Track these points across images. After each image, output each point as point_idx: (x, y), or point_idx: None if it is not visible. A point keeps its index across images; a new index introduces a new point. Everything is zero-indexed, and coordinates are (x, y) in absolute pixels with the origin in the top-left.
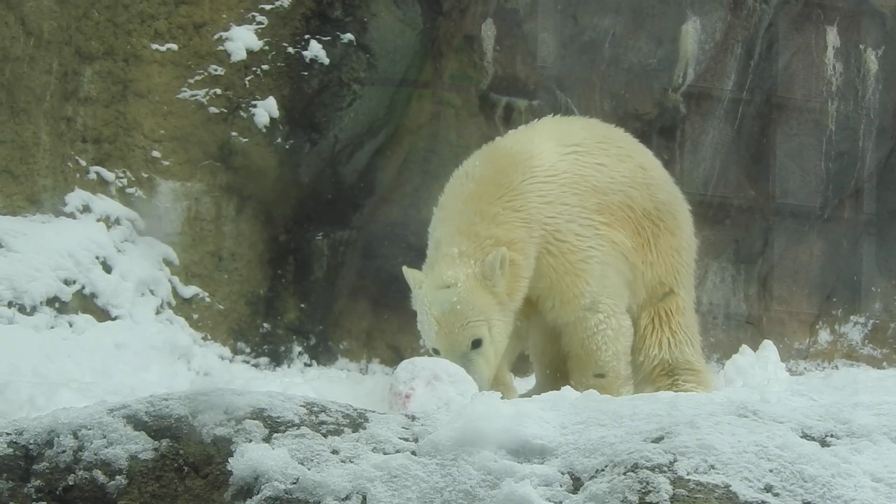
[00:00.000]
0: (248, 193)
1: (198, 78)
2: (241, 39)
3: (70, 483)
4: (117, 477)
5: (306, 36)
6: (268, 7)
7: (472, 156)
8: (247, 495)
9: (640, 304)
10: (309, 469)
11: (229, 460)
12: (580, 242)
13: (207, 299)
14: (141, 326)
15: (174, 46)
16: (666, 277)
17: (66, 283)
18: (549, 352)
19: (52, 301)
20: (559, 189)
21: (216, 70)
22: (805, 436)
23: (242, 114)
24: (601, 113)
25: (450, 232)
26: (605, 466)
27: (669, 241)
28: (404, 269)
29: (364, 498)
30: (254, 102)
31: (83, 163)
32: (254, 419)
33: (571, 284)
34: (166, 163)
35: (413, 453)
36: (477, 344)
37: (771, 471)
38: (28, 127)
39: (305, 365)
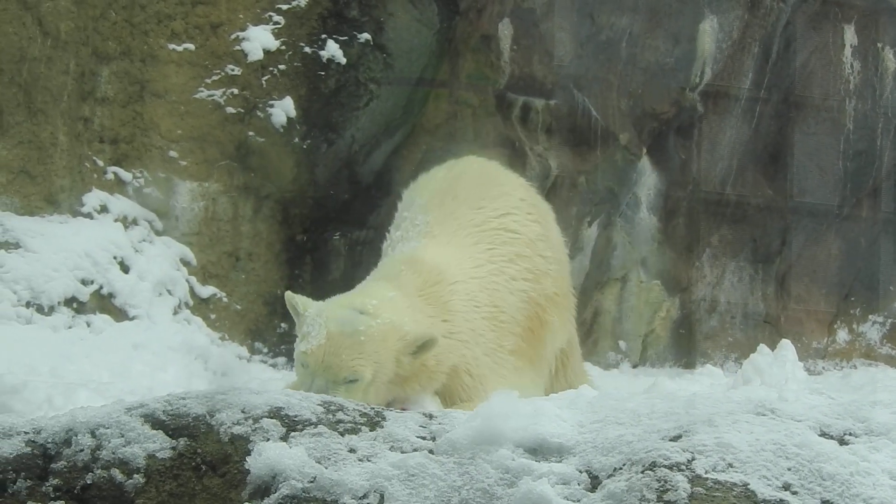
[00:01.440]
0: (266, 193)
1: (215, 78)
2: (258, 39)
3: (88, 482)
4: (135, 476)
5: (323, 36)
6: (284, 7)
7: (461, 161)
8: (264, 494)
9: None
10: (326, 468)
11: (247, 459)
12: (487, 384)
13: (225, 299)
14: (158, 326)
15: (191, 46)
16: (563, 343)
17: (84, 283)
18: None
19: (69, 301)
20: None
21: (233, 70)
22: (823, 434)
23: (259, 114)
24: (618, 112)
25: (406, 259)
26: (623, 465)
27: (558, 308)
28: (288, 294)
29: (382, 496)
30: (271, 102)
31: (100, 163)
32: (271, 418)
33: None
34: (183, 163)
35: (430, 452)
36: (352, 381)
37: (789, 469)
38: (45, 127)
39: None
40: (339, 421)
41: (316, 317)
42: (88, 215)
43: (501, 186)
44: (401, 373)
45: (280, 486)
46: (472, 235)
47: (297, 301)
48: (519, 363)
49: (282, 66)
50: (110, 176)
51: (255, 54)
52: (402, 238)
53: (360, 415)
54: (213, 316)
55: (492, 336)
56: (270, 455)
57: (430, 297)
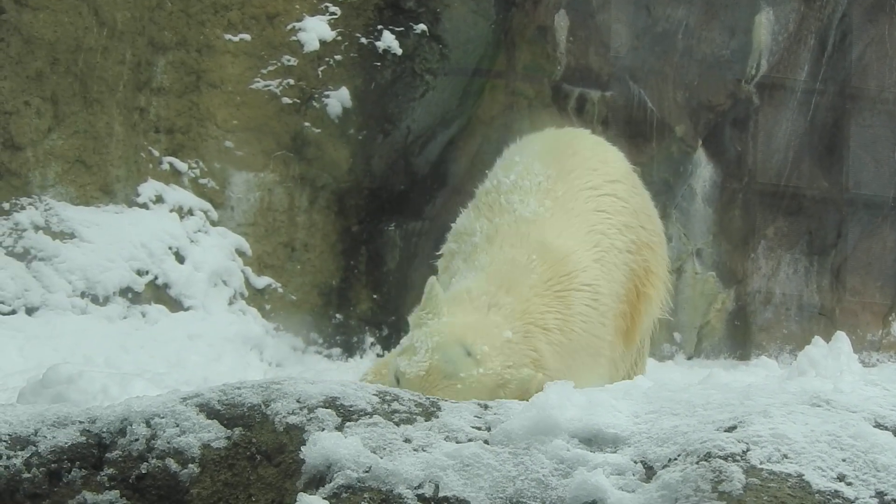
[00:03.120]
0: (321, 184)
1: (271, 68)
2: (314, 30)
3: (143, 471)
4: (190, 465)
5: (379, 26)
6: None
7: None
8: (319, 484)
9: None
10: (381, 457)
11: (302, 449)
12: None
13: (280, 290)
14: (213, 317)
15: (247, 37)
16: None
17: (139, 273)
18: None
19: (125, 291)
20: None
21: (289, 60)
22: (878, 425)
23: (315, 104)
24: (674, 104)
25: (501, 281)
26: (678, 455)
27: (655, 280)
28: (431, 282)
29: (437, 486)
30: (326, 93)
31: (156, 153)
32: (326, 408)
33: None
34: (239, 153)
35: (486, 442)
36: None
37: (844, 460)
38: (101, 117)
39: (378, 356)
40: (395, 411)
41: (425, 338)
42: (144, 205)
43: (608, 153)
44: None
45: (335, 475)
46: (590, 200)
47: (433, 300)
48: (613, 345)
49: (338, 57)
50: (166, 166)
51: (312, 45)
52: (518, 187)
53: (415, 405)
54: (268, 307)
55: (601, 330)
56: (325, 445)
57: (555, 294)
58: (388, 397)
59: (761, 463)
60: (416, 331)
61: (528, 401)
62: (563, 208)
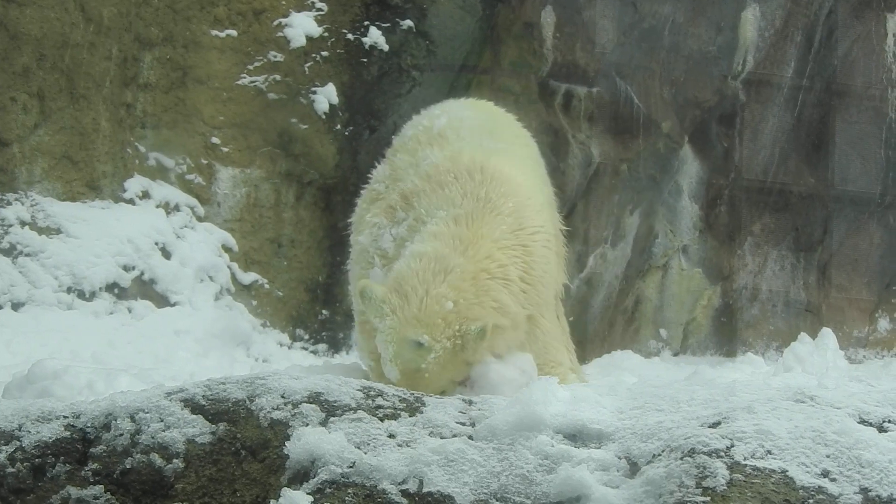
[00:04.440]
0: (308, 180)
1: (257, 64)
2: (301, 26)
3: (127, 466)
4: (174, 460)
5: (366, 22)
6: None
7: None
8: (303, 479)
9: None
10: (365, 453)
11: (286, 444)
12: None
13: (266, 286)
14: (200, 313)
15: (234, 33)
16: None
17: (126, 269)
18: None
19: (111, 287)
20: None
21: (276, 56)
22: (863, 421)
23: (302, 100)
24: (661, 100)
25: (435, 247)
26: (662, 451)
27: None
28: (362, 284)
29: (421, 482)
30: (313, 89)
31: (142, 149)
32: (311, 403)
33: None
34: (226, 149)
35: (470, 438)
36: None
37: (828, 456)
38: (88, 113)
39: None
40: (379, 406)
41: (383, 346)
42: (130, 201)
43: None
44: (475, 359)
45: (319, 471)
46: (526, 148)
47: (371, 303)
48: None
49: (324, 53)
50: (152, 162)
51: (298, 41)
52: (450, 132)
53: (399, 400)
54: (254, 302)
55: (557, 275)
56: (310, 440)
57: (513, 245)
58: (372, 392)
59: (745, 459)
60: (375, 339)
61: (492, 346)
62: (507, 150)
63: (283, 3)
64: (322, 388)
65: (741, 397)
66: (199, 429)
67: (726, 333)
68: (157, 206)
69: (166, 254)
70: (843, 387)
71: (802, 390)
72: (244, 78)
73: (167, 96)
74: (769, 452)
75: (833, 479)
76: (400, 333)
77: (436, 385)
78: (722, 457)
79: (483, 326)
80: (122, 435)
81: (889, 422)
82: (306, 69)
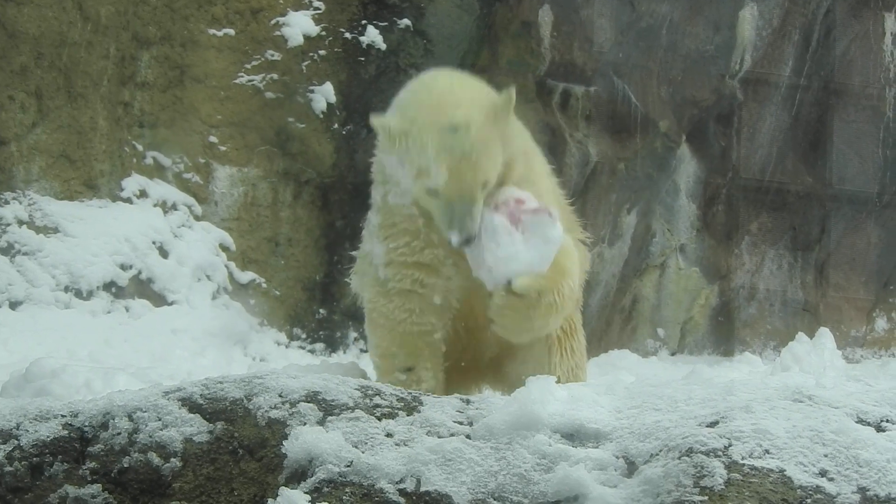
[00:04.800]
0: (305, 179)
1: (255, 63)
2: (298, 25)
3: (125, 465)
4: (172, 459)
5: (363, 21)
6: None
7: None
8: (301, 478)
9: None
10: (363, 452)
11: (284, 443)
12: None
13: (264, 285)
14: (197, 312)
15: (231, 32)
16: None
17: (123, 268)
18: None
19: (108, 286)
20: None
21: (273, 55)
22: (860, 421)
23: (299, 99)
24: (658, 99)
25: (444, 72)
26: (660, 451)
27: (581, 241)
28: (373, 118)
29: (418, 481)
30: (311, 88)
31: (140, 147)
32: (308, 402)
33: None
34: (223, 148)
35: (467, 437)
36: (484, 187)
37: (826, 455)
38: (85, 112)
39: (361, 351)
40: (377, 405)
41: (422, 149)
42: (128, 200)
43: None
44: (509, 131)
45: (317, 470)
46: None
47: (383, 124)
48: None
49: (322, 52)
50: (150, 161)
51: (296, 40)
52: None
53: (397, 399)
54: (252, 301)
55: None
56: (307, 439)
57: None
58: (369, 392)
59: (743, 458)
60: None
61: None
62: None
63: (281, 2)
64: (320, 387)
65: (739, 397)
66: (197, 428)
67: (724, 332)
68: (155, 205)
69: (164, 253)
70: (840, 386)
71: (800, 390)
72: (242, 77)
73: (165, 95)
74: (767, 452)
75: (831, 479)
76: (433, 124)
77: (484, 170)
78: (720, 456)
79: (507, 91)
80: (119, 434)
81: (887, 421)
82: (304, 68)
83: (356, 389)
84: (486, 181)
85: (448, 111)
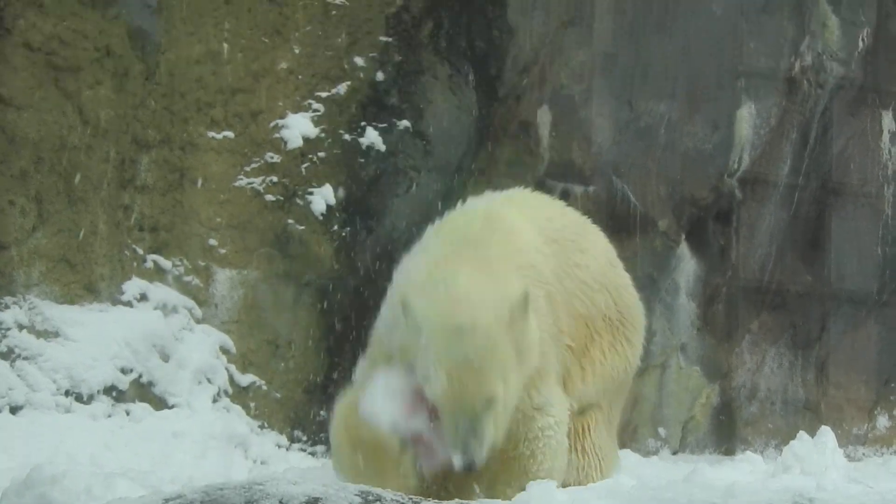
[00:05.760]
0: (306, 281)
1: (254, 166)
2: (298, 127)
3: None
4: None
5: (363, 123)
6: (324, 95)
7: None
8: None
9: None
10: None
11: None
12: (542, 346)
13: (264, 387)
14: (198, 415)
15: (231, 134)
16: (600, 393)
17: (124, 371)
18: None
19: (109, 390)
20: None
21: (273, 158)
22: None
23: (299, 201)
24: (657, 198)
25: (457, 251)
26: None
27: (624, 349)
28: (406, 299)
29: None
30: (310, 190)
31: (140, 251)
32: None
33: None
34: (223, 251)
35: None
36: (490, 403)
37: None
38: (85, 216)
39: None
40: None
41: (429, 351)
42: (128, 303)
43: None
44: (527, 336)
45: None
46: None
47: (416, 307)
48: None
49: (321, 154)
50: (150, 264)
51: (295, 142)
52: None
53: None
54: (252, 404)
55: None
56: None
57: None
58: (370, 497)
59: None
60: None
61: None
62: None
63: (280, 104)
64: (320, 493)
65: (739, 500)
66: None
67: (725, 431)
68: (155, 309)
69: (164, 356)
70: (841, 489)
71: (801, 493)
72: (241, 179)
73: (164, 198)
74: None
75: None
76: (439, 323)
77: (490, 383)
78: None
79: (523, 290)
80: None
81: None
82: (303, 170)
83: (356, 495)
84: (492, 397)
85: (456, 309)
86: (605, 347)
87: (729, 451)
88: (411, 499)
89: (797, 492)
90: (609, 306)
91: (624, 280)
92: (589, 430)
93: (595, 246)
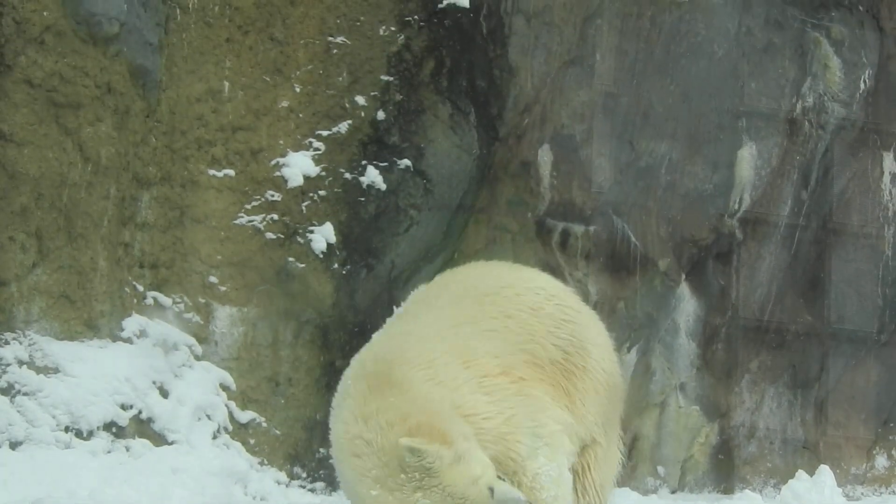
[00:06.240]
0: (305, 318)
1: (255, 203)
2: (298, 165)
3: None
4: None
5: (363, 162)
6: (325, 133)
7: None
8: None
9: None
10: None
11: None
12: (492, 406)
13: (264, 424)
14: (198, 451)
15: (231, 172)
16: (593, 426)
17: (123, 407)
18: None
19: (108, 426)
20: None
21: (273, 196)
22: None
23: (299, 239)
24: (657, 238)
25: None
26: None
27: (584, 381)
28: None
29: None
30: (311, 228)
31: (140, 288)
32: None
33: (504, 449)
34: (223, 288)
35: None
36: None
37: None
38: (86, 252)
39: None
40: None
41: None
42: (128, 340)
43: None
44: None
45: None
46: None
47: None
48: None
49: (322, 192)
50: (150, 301)
51: (296, 180)
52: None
53: None
54: (252, 441)
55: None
56: None
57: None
58: None
59: None
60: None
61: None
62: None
63: (281, 142)
64: None
65: None
66: None
67: (724, 471)
68: (155, 345)
69: (164, 392)
70: None
71: None
72: (241, 217)
73: (165, 235)
74: None
75: None
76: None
77: None
78: None
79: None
80: None
81: None
82: (304, 208)
83: None
84: None
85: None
86: (568, 387)
87: (728, 490)
88: None
89: None
90: (548, 349)
91: (562, 312)
92: (588, 468)
93: (522, 290)
